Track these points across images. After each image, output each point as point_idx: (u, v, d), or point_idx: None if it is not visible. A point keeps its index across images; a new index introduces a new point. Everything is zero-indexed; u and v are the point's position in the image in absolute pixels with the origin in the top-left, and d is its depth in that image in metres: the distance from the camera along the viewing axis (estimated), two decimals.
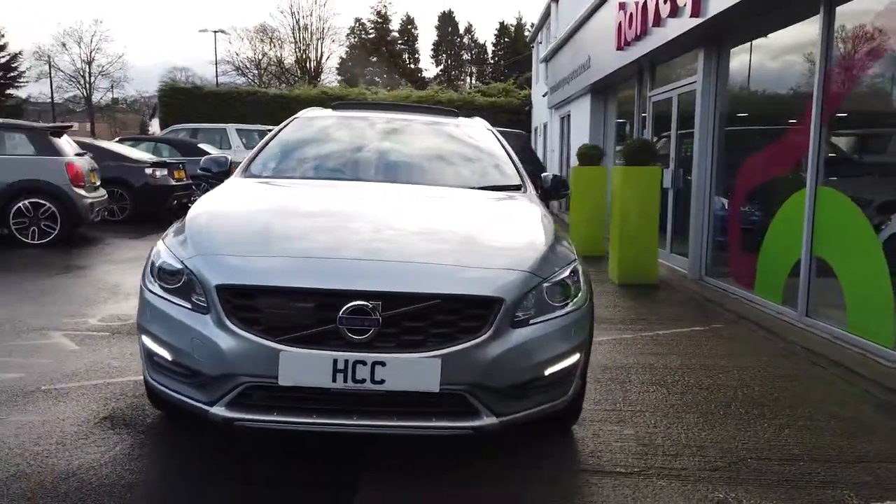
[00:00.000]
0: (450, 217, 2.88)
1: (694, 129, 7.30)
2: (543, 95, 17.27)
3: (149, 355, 2.54)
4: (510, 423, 2.46)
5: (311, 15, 55.37)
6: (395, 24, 56.06)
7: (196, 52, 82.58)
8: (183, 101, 21.26)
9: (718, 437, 3.12)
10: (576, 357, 2.65)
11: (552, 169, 15.65)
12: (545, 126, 18.41)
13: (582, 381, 2.84)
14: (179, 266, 2.47)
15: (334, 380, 2.25)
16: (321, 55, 49.66)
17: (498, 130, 4.31)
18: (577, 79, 12.41)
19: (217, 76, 41.00)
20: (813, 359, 4.44)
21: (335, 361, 2.24)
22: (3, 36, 39.01)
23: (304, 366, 2.25)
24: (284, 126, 4.11)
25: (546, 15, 18.98)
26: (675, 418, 3.35)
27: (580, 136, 12.63)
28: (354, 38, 53.98)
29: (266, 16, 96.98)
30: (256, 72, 50.32)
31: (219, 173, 3.70)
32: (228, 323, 2.29)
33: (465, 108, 19.37)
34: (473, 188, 3.53)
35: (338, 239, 2.58)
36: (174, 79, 42.05)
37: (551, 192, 3.90)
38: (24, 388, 3.39)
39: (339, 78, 50.32)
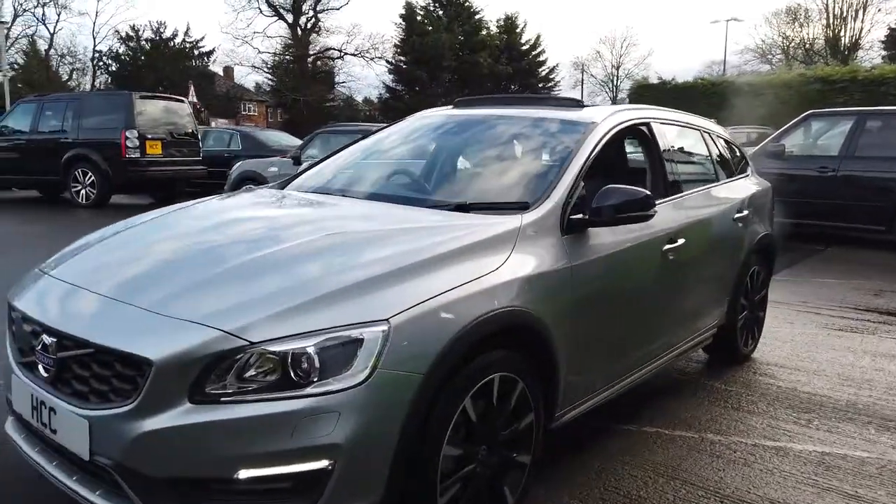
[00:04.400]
0: (294, 250, 2.22)
1: None
2: None
3: None
4: None
5: None
6: None
7: (730, 44, 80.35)
8: (648, 97, 21.15)
9: None
10: (320, 463, 1.80)
11: None
12: None
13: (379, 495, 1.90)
14: None
15: (32, 416, 2.08)
16: (861, 29, 42.32)
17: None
18: None
19: (724, 68, 39.29)
20: None
21: (32, 396, 2.08)
22: (544, 52, 45.47)
23: (18, 393, 2.15)
24: (381, 127, 3.82)
25: None
26: None
27: None
28: None
29: None
30: (783, 56, 46.22)
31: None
32: (7, 336, 2.35)
33: None
34: (459, 206, 2.63)
35: (128, 267, 2.30)
36: (711, 73, 42.22)
37: (596, 218, 2.60)
38: None
39: (883, 53, 42.01)
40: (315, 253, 2.20)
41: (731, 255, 3.88)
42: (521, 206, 2.58)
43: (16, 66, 37.91)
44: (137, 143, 11.24)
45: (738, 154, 4.45)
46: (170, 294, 2.01)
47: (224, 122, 37.54)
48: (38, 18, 39.76)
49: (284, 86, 40.29)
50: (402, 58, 41.36)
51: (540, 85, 45.63)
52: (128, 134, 11.16)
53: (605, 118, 3.13)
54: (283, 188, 3.30)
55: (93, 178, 11.44)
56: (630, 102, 22.47)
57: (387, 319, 1.90)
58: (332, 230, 2.41)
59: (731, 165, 4.22)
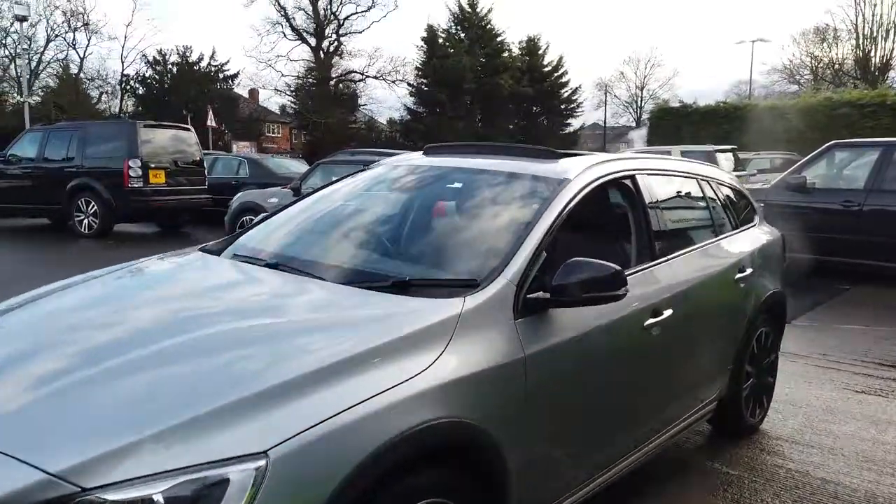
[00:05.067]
0: (179, 349, 1.87)
1: None
2: None
3: None
4: None
5: (881, 3, 45.71)
6: None
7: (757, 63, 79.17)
8: (669, 121, 20.63)
9: None
10: None
11: None
12: None
13: None
14: None
15: None
16: (892, 49, 41.22)
17: None
18: None
19: (751, 88, 38.62)
20: None
21: None
22: (567, 73, 45.08)
23: None
24: (340, 178, 3.46)
25: None
26: None
27: None
28: None
29: (823, 15, 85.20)
30: (811, 77, 45.24)
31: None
32: None
33: None
34: (397, 284, 2.26)
35: None
36: (738, 93, 41.61)
37: (557, 297, 2.21)
38: None
39: None
40: (200, 354, 1.84)
41: (732, 319, 3.45)
42: (470, 284, 2.20)
43: (47, 90, 38.62)
44: (140, 173, 11.10)
45: (743, 201, 4.02)
46: (17, 412, 1.68)
47: (245, 144, 37.81)
48: (69, 43, 40.20)
49: (307, 108, 40.45)
50: (423, 80, 41.30)
51: (562, 106, 45.24)
52: (130, 163, 11.03)
53: (580, 173, 2.74)
54: (222, 250, 2.95)
55: (95, 207, 11.31)
56: (651, 127, 21.98)
57: (265, 452, 1.53)
58: (228, 323, 2.05)
59: (734, 216, 3.79)
